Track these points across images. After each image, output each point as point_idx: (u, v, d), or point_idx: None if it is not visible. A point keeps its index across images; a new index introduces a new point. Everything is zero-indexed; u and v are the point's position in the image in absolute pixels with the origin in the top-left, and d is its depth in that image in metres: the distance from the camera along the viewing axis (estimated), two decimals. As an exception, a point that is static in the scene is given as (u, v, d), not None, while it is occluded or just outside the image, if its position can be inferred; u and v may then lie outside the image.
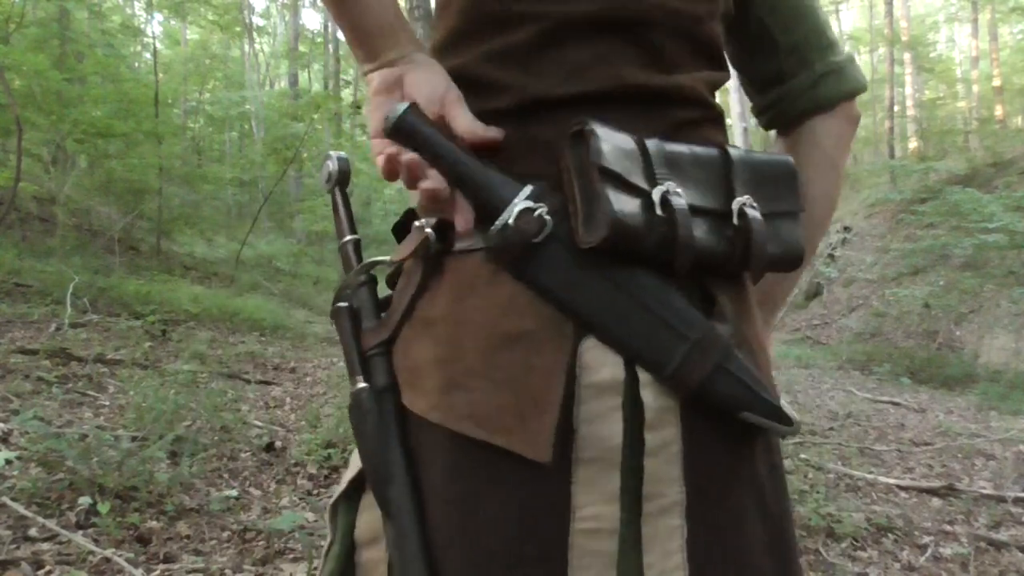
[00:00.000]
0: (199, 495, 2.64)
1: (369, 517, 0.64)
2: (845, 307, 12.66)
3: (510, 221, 0.56)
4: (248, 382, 4.70)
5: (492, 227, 0.57)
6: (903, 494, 3.83)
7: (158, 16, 20.63)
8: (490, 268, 0.60)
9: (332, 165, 0.69)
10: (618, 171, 0.57)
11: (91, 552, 2.04)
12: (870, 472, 4.15)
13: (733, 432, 0.60)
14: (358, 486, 0.66)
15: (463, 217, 0.60)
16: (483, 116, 0.62)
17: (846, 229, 14.15)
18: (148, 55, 14.50)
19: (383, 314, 0.66)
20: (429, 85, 0.62)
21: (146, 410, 3.19)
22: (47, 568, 1.96)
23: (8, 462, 2.46)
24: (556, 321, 0.58)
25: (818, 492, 3.50)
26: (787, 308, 11.84)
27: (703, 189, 0.60)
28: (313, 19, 36.33)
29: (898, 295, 11.11)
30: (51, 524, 2.14)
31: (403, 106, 0.59)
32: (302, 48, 22.60)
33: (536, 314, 0.58)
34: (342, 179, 0.68)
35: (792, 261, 0.65)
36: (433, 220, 0.61)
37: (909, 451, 4.87)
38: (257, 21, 26.90)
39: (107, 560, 2.02)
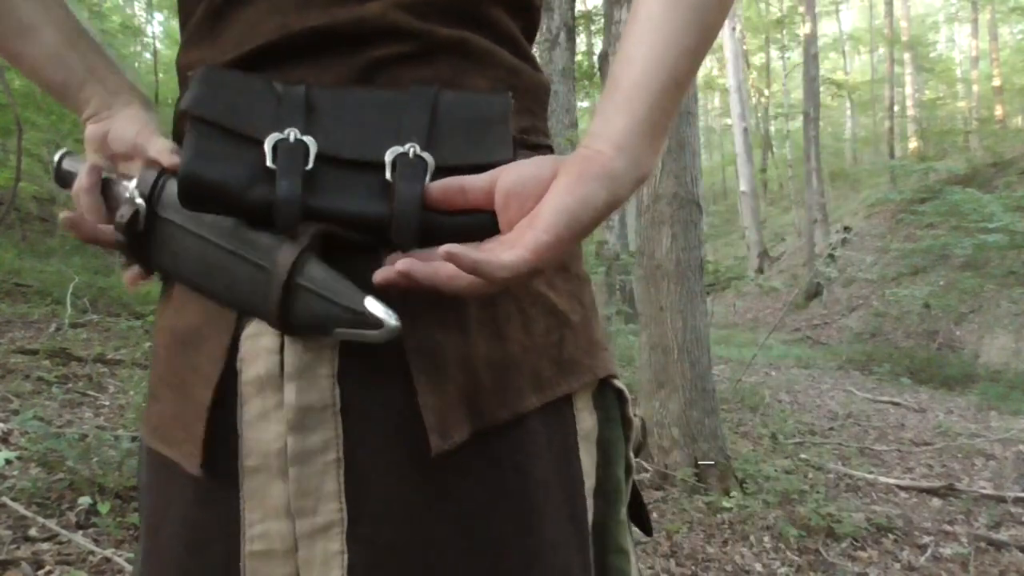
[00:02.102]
0: (199, 495, 2.64)
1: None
2: (845, 307, 12.66)
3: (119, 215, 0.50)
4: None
5: None
6: (903, 494, 3.83)
7: (158, 16, 20.66)
8: None
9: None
10: (220, 120, 0.47)
11: (91, 552, 2.04)
12: (870, 472, 4.15)
13: (419, 436, 0.48)
14: None
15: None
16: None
17: (846, 229, 14.14)
18: (148, 55, 14.48)
19: None
20: (123, 134, 0.56)
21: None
22: (47, 568, 1.96)
23: (8, 462, 2.46)
24: (218, 312, 0.51)
25: (818, 492, 3.50)
26: (787, 308, 11.84)
27: (362, 138, 0.49)
28: (313, 19, 36.26)
29: (898, 295, 11.10)
30: (51, 524, 2.14)
31: (57, 155, 0.58)
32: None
33: (200, 307, 0.51)
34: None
35: (482, 226, 0.48)
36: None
37: (909, 451, 4.87)
38: (257, 21, 26.95)
39: (107, 560, 2.02)
